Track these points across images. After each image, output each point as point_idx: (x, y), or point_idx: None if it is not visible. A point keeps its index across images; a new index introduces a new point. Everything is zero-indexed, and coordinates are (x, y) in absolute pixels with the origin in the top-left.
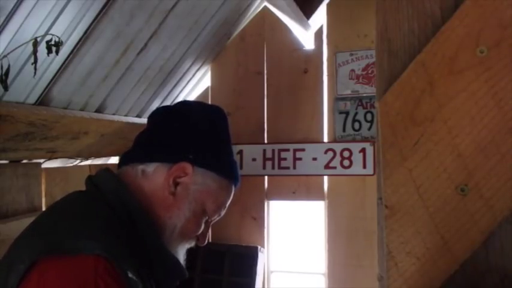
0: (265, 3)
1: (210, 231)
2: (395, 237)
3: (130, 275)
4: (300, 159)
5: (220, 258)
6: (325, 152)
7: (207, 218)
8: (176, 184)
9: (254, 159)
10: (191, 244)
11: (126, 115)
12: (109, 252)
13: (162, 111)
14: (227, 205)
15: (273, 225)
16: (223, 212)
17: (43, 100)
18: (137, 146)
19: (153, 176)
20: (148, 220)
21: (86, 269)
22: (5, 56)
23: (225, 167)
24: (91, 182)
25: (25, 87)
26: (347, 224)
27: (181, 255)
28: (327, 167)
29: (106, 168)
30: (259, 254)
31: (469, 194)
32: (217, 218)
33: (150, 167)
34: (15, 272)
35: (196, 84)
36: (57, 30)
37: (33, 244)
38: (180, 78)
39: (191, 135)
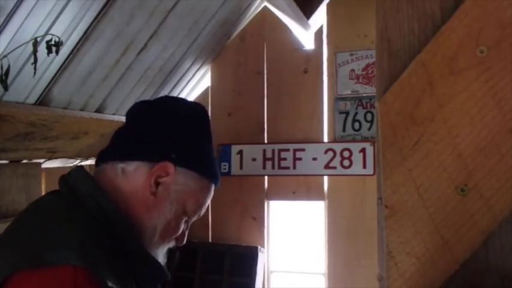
0: (265, 3)
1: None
2: (395, 237)
3: (110, 284)
4: (300, 159)
5: (220, 258)
6: (325, 152)
7: (186, 218)
8: (157, 184)
9: (254, 159)
10: (171, 245)
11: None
12: (86, 261)
13: (142, 106)
14: (207, 205)
15: (273, 225)
16: (202, 212)
17: (43, 100)
18: (116, 143)
19: (134, 175)
20: (127, 222)
21: (64, 280)
22: (5, 56)
23: (207, 167)
24: (64, 183)
25: (25, 87)
26: (347, 224)
27: (161, 256)
28: (327, 167)
29: (79, 166)
30: (259, 254)
31: (469, 194)
32: (196, 218)
33: (131, 166)
34: None
35: (196, 84)
36: (57, 30)
37: (6, 257)
38: (180, 78)
39: (174, 134)
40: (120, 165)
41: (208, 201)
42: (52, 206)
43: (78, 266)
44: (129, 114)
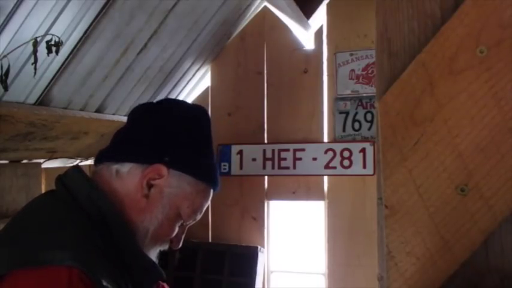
0: (265, 3)
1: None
2: (395, 237)
3: (104, 283)
4: (300, 159)
5: (220, 258)
6: (325, 152)
7: (182, 221)
8: (150, 186)
9: (254, 159)
10: (164, 247)
11: (126, 115)
12: (82, 262)
13: (142, 108)
14: (203, 209)
15: (273, 225)
16: (199, 217)
17: (43, 100)
18: (114, 144)
19: (127, 176)
20: (123, 223)
21: (59, 281)
22: (5, 56)
23: (204, 171)
24: (61, 183)
25: (25, 87)
26: (347, 224)
27: (153, 257)
28: (327, 167)
29: (76, 166)
30: (259, 254)
31: (469, 194)
32: (193, 222)
33: (125, 167)
34: None
35: (196, 84)
36: (57, 30)
37: (2, 256)
38: (180, 78)
39: (170, 136)
40: (115, 166)
41: (205, 206)
42: (48, 206)
43: (73, 266)
44: (130, 115)
